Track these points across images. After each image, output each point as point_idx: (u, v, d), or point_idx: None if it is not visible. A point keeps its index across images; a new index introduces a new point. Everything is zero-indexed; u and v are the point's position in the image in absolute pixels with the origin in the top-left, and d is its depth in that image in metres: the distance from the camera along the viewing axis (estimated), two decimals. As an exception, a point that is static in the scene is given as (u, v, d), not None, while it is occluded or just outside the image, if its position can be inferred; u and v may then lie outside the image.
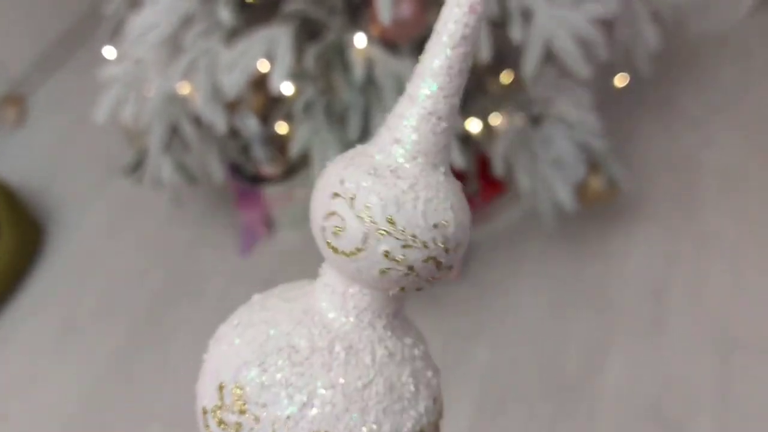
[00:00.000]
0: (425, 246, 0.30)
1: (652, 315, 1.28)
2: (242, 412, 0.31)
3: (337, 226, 0.30)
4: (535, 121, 1.15)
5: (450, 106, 0.31)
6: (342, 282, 0.33)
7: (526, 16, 0.99)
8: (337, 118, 0.99)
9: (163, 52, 1.05)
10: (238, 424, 0.32)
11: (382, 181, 0.30)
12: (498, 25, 1.02)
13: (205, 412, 0.33)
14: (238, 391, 0.32)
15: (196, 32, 0.98)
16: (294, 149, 1.01)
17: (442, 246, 0.30)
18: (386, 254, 0.30)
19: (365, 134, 0.97)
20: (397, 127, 0.31)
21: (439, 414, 0.35)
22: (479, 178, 1.31)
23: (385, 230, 0.29)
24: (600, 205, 1.28)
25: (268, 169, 1.27)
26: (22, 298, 1.43)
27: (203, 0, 0.97)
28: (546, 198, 1.15)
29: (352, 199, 0.30)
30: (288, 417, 0.31)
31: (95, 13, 1.93)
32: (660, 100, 1.61)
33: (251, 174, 1.33)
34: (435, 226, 0.30)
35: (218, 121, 1.02)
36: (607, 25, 1.13)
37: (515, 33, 0.98)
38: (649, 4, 1.23)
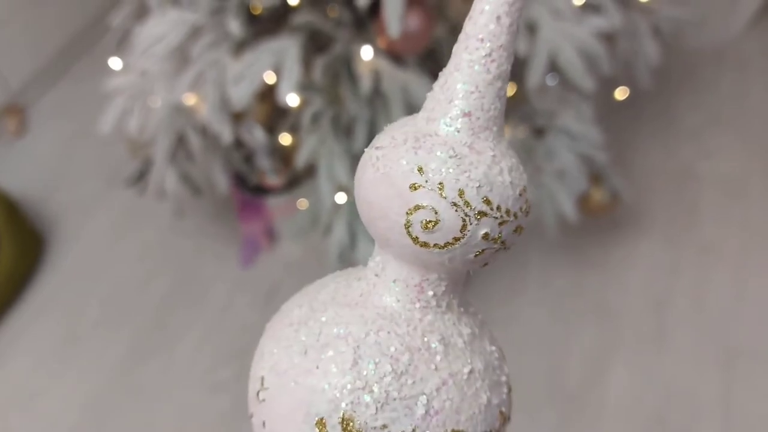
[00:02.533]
0: (516, 217, 0.29)
1: (655, 325, 1.29)
2: None
3: (428, 221, 0.28)
4: (539, 133, 1.16)
5: (510, 65, 0.29)
6: (417, 273, 0.31)
7: (531, 29, 1.00)
8: (343, 129, 0.99)
9: (169, 63, 1.05)
10: None
11: (467, 161, 0.28)
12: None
13: None
14: (351, 423, 0.29)
15: (203, 44, 0.98)
16: (300, 160, 1.01)
17: (526, 212, 0.29)
18: (486, 236, 0.28)
19: (371, 145, 0.97)
20: (459, 97, 0.29)
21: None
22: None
23: (483, 212, 0.28)
24: (602, 216, 1.29)
25: (272, 179, 1.28)
26: (23, 308, 1.42)
27: (211, 12, 0.98)
28: (549, 209, 1.16)
29: (440, 187, 0.28)
30: (414, 430, 0.29)
31: (96, 24, 1.94)
32: (659, 113, 1.62)
33: (254, 185, 1.33)
34: (520, 194, 0.29)
35: (225, 132, 1.03)
36: (609, 39, 1.14)
37: (520, 46, 0.99)
38: (650, 18, 1.24)
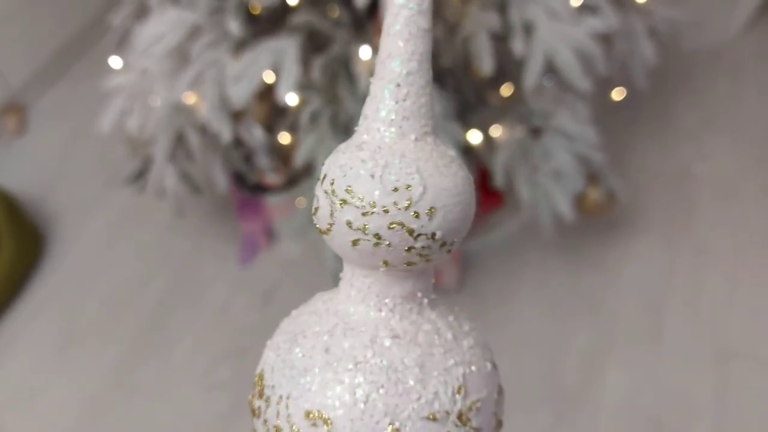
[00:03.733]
0: (386, 211, 0.29)
1: (650, 325, 1.29)
2: None
3: (315, 207, 0.32)
4: (535, 133, 1.17)
5: (419, 65, 0.30)
6: (348, 267, 0.33)
7: (528, 29, 1.01)
8: (342, 128, 1.00)
9: (169, 62, 1.06)
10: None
11: (346, 156, 0.31)
12: (499, 38, 1.04)
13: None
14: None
15: (203, 43, 0.99)
16: (299, 158, 1.02)
17: (406, 209, 0.30)
18: (349, 224, 0.30)
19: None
20: (367, 104, 0.32)
21: (473, 408, 0.32)
22: (479, 189, 1.33)
23: (343, 200, 0.30)
24: (598, 216, 1.30)
25: (271, 178, 1.28)
26: (22, 307, 1.43)
27: (211, 12, 0.99)
28: (545, 209, 1.17)
29: (324, 178, 0.31)
30: (288, 396, 0.31)
31: (96, 24, 1.95)
32: (656, 114, 1.63)
33: (253, 184, 1.34)
34: (395, 189, 0.29)
35: (224, 131, 1.03)
36: (605, 40, 1.15)
37: (517, 46, 1.00)
38: (646, 20, 1.25)
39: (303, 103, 1.02)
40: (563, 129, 1.15)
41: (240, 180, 1.34)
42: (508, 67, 1.13)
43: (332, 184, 0.30)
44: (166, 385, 1.28)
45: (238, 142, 1.19)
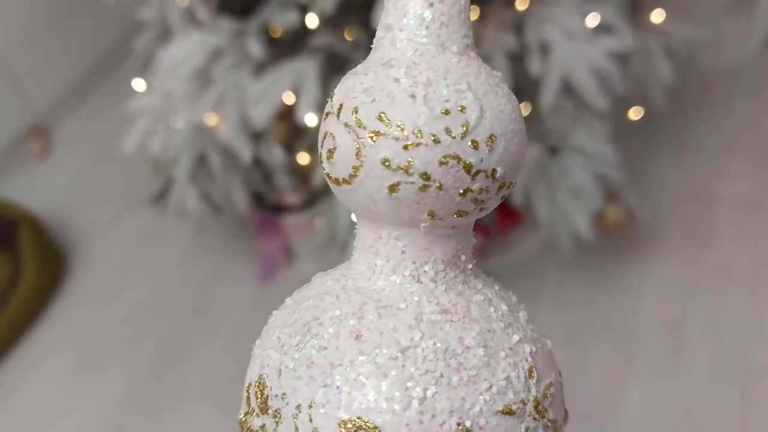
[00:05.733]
0: (436, 140, 0.23)
1: (671, 345, 1.28)
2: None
3: (329, 149, 0.25)
4: (553, 151, 1.17)
5: None
6: (370, 230, 0.26)
7: (544, 50, 1.02)
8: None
9: (192, 84, 1.08)
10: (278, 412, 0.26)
11: (371, 77, 0.24)
12: (516, 58, 1.05)
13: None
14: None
15: (225, 65, 1.01)
16: (318, 178, 1.03)
17: (462, 137, 0.23)
18: (386, 162, 0.23)
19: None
20: (389, 12, 0.25)
21: (548, 395, 0.27)
22: (497, 208, 1.33)
23: (375, 131, 0.23)
24: (617, 235, 1.30)
25: (290, 198, 1.30)
26: (44, 327, 1.45)
27: (233, 35, 1.01)
28: (564, 228, 1.17)
29: (339, 109, 0.24)
30: (311, 404, 0.24)
31: (120, 47, 1.99)
32: (674, 133, 1.63)
33: (272, 203, 1.35)
34: (445, 112, 0.23)
35: (245, 151, 1.05)
36: (622, 59, 1.16)
37: (533, 66, 1.01)
38: (663, 38, 1.26)
39: (322, 123, 1.03)
40: (581, 147, 1.15)
41: (259, 200, 1.36)
42: (525, 86, 1.14)
43: (355, 113, 0.24)
44: (185, 405, 1.29)
45: (257, 163, 1.21)
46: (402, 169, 0.23)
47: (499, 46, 1.02)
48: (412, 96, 0.23)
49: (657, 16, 1.28)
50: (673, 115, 1.58)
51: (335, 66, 1.02)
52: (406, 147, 0.23)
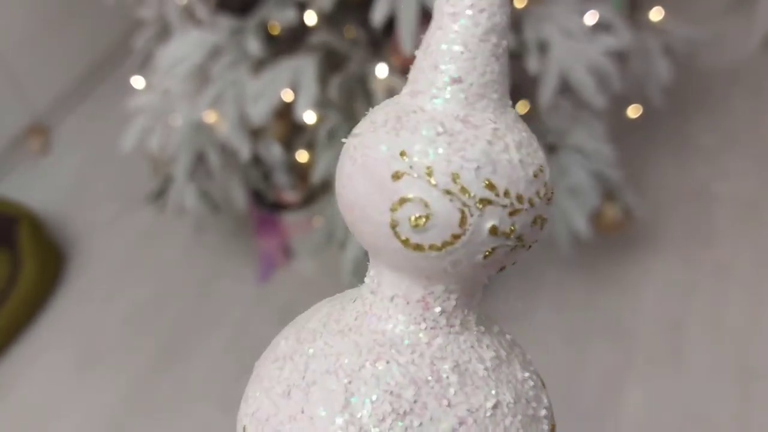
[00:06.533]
0: (531, 204, 0.23)
1: (670, 344, 1.28)
2: None
3: (418, 216, 0.22)
4: (551, 150, 1.17)
5: (506, 17, 0.24)
6: (419, 286, 0.25)
7: (543, 48, 1.02)
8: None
9: (190, 82, 1.08)
10: None
11: (461, 137, 0.23)
12: (514, 56, 1.05)
13: None
14: None
15: (223, 63, 1.01)
16: (316, 175, 1.04)
17: (546, 197, 0.24)
18: (494, 231, 0.23)
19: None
20: (446, 60, 0.23)
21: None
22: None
23: (486, 199, 0.22)
24: (615, 233, 1.30)
25: (289, 196, 1.30)
26: (43, 325, 1.45)
27: (232, 33, 1.01)
28: (562, 226, 1.17)
29: (428, 173, 0.22)
30: None
31: (119, 46, 1.99)
32: (673, 132, 1.63)
33: (271, 202, 1.35)
34: (535, 175, 0.23)
35: (243, 149, 1.05)
36: (620, 57, 1.16)
37: (532, 64, 1.01)
38: (662, 37, 1.26)
39: (320, 120, 1.03)
40: (579, 146, 1.15)
41: (258, 198, 1.36)
42: (524, 85, 1.14)
43: (456, 179, 0.22)
44: (185, 403, 1.29)
45: (256, 161, 1.21)
46: (505, 234, 0.23)
47: (498, 44, 1.02)
48: (510, 161, 0.23)
49: (656, 14, 1.28)
50: (672, 114, 1.58)
51: (334, 63, 1.02)
52: (512, 213, 0.23)
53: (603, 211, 1.22)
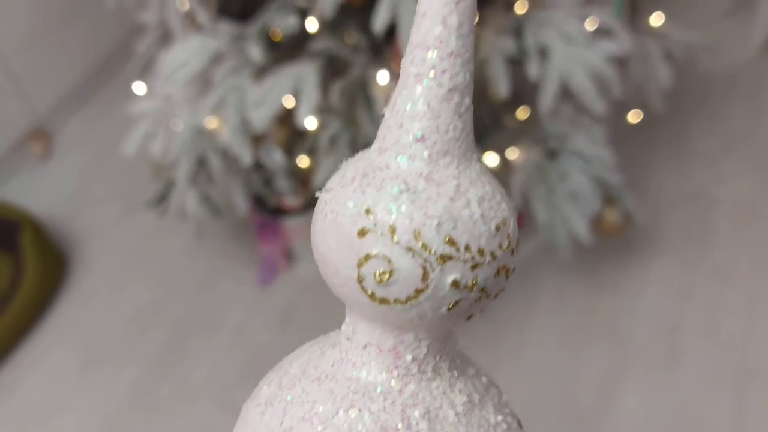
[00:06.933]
0: (494, 257, 0.24)
1: (668, 348, 1.28)
2: None
3: (381, 272, 0.23)
4: (552, 155, 1.18)
5: (469, 75, 0.24)
6: (390, 335, 0.26)
7: (543, 54, 1.03)
8: (360, 150, 1.02)
9: (192, 87, 1.09)
10: None
11: (423, 195, 0.23)
12: (515, 62, 1.05)
13: None
14: None
15: (225, 69, 1.02)
16: (318, 181, 1.04)
17: (509, 249, 0.24)
18: (455, 284, 0.23)
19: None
20: (410, 119, 0.24)
21: None
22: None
23: (446, 255, 0.23)
24: (615, 238, 1.30)
25: (290, 201, 1.30)
26: (46, 328, 1.45)
27: (233, 39, 1.01)
28: (562, 230, 1.18)
29: (392, 230, 0.23)
30: None
31: (121, 51, 2.00)
32: (673, 136, 1.63)
33: (272, 206, 1.36)
34: (498, 228, 0.24)
35: (245, 155, 1.06)
36: (620, 63, 1.17)
37: (532, 70, 1.02)
38: (661, 43, 1.27)
39: (322, 126, 1.04)
40: (579, 151, 1.16)
41: (259, 203, 1.37)
42: (524, 90, 1.15)
43: (419, 235, 0.23)
44: (185, 405, 1.29)
45: (257, 166, 1.21)
46: (467, 288, 0.24)
47: (498, 50, 1.03)
48: (471, 216, 0.23)
49: (656, 19, 1.28)
50: (672, 118, 1.58)
51: (335, 70, 1.03)
52: (473, 267, 0.23)
53: (603, 216, 1.23)
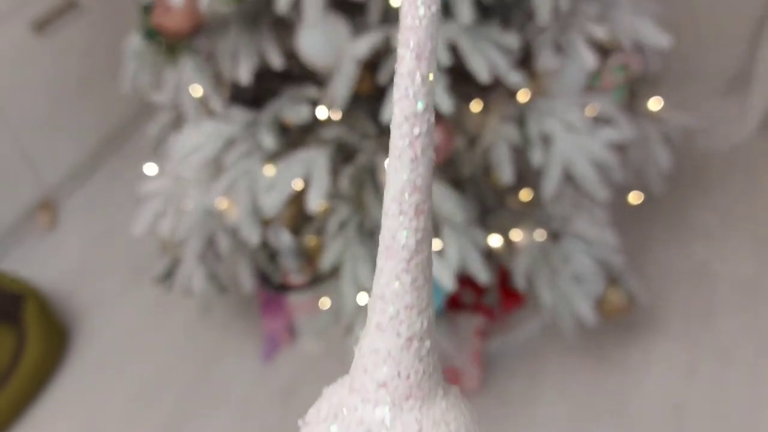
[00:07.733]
0: None
1: (673, 428, 1.27)
2: None
3: None
4: (555, 237, 1.19)
5: (428, 319, 0.26)
6: None
7: (546, 141, 1.06)
8: (368, 233, 1.04)
9: (204, 170, 1.11)
10: None
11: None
12: (518, 149, 1.08)
13: None
14: None
15: (237, 153, 1.04)
16: (326, 262, 1.05)
17: None
18: None
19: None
20: (374, 365, 0.26)
21: None
22: (500, 289, 1.35)
23: None
24: (619, 318, 1.31)
25: (296, 278, 1.31)
26: (48, 402, 1.44)
27: (246, 125, 1.04)
28: (566, 312, 1.18)
29: None
30: None
31: (128, 127, 2.04)
32: (673, 214, 1.66)
33: (278, 283, 1.37)
34: None
35: (254, 236, 1.07)
36: (620, 147, 1.19)
37: (535, 158, 1.04)
38: (660, 126, 1.30)
39: (331, 211, 1.06)
40: (582, 233, 1.18)
41: (264, 279, 1.38)
42: (527, 173, 1.17)
43: None
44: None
45: (264, 243, 1.23)
46: None
47: (502, 137, 1.06)
48: None
49: (655, 103, 1.32)
50: (671, 199, 1.61)
51: (344, 156, 1.06)
52: None
53: (606, 297, 1.23)
